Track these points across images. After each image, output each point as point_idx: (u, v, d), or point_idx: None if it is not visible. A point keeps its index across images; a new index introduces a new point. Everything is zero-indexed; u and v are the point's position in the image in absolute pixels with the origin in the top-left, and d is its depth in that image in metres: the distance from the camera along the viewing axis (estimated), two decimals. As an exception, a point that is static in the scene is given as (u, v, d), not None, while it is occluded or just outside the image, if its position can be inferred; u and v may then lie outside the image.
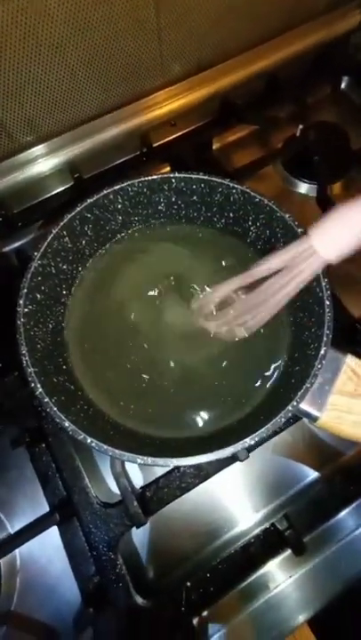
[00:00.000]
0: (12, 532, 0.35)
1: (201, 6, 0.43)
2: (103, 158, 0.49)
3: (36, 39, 0.37)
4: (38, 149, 0.45)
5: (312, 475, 0.35)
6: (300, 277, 0.24)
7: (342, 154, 0.48)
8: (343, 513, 0.33)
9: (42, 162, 0.45)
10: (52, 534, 0.33)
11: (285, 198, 0.49)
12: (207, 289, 0.30)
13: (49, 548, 0.34)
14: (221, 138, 0.52)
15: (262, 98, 0.52)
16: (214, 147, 0.51)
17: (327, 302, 0.24)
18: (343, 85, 0.54)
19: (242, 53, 0.49)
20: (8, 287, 0.42)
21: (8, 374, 0.37)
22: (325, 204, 0.42)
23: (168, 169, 0.51)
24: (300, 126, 0.49)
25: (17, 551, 0.34)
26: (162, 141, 0.50)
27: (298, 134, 0.49)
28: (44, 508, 0.35)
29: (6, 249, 0.47)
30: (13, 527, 0.36)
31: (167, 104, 0.48)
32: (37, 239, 0.47)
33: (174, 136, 0.51)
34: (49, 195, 0.48)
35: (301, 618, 0.29)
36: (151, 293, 0.34)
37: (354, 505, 0.33)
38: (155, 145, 0.50)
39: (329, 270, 0.26)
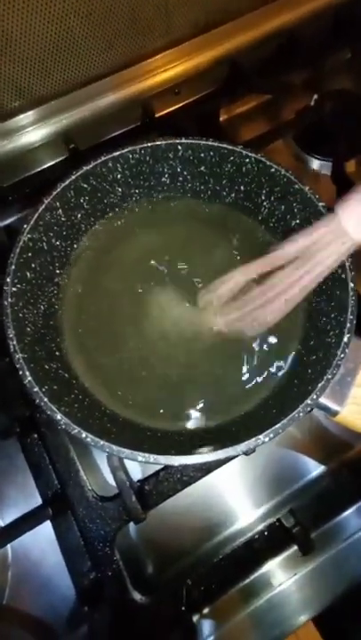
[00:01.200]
0: (4, 525, 0.34)
1: None
2: (101, 129, 0.45)
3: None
4: (28, 116, 0.41)
5: (318, 468, 0.34)
6: (326, 263, 0.21)
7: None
8: (351, 509, 0.31)
9: (32, 130, 0.42)
10: (46, 527, 0.31)
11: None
12: (214, 279, 0.26)
13: (42, 540, 0.33)
14: (229, 109, 0.48)
15: (275, 62, 0.48)
16: (222, 118, 0.47)
17: (351, 284, 0.22)
18: (364, 50, 0.50)
19: (254, 10, 0.44)
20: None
21: (-1, 360, 0.35)
22: (342, 181, 0.39)
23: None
24: (315, 96, 0.46)
25: (9, 546, 0.33)
26: (164, 111, 0.47)
27: (312, 104, 0.46)
28: (37, 498, 0.33)
29: (-5, 226, 0.44)
30: (4, 519, 0.34)
31: (171, 67, 0.44)
32: (28, 213, 0.44)
33: (178, 106, 0.47)
34: (41, 167, 0.44)
35: (304, 617, 0.28)
36: (152, 276, 0.31)
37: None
38: (157, 115, 0.46)
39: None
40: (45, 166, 0.45)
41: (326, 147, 0.45)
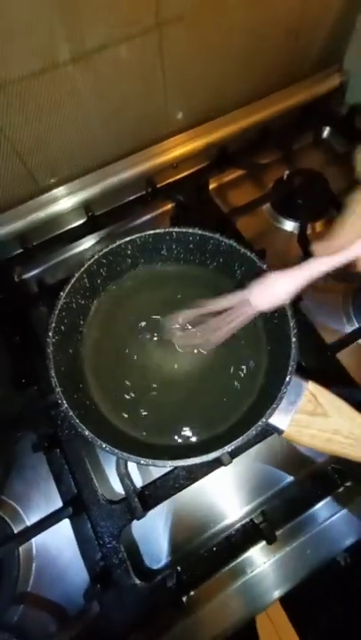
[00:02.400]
0: (29, 524, 0.41)
1: (204, 71, 0.50)
2: (113, 197, 0.55)
3: (62, 101, 0.44)
4: (58, 191, 0.52)
5: (287, 479, 0.41)
6: (242, 317, 0.32)
7: (323, 197, 0.54)
8: (311, 510, 0.39)
9: (60, 202, 0.52)
10: (63, 527, 0.38)
11: (273, 234, 0.56)
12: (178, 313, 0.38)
13: (60, 539, 0.39)
14: (218, 179, 0.59)
15: (254, 145, 0.59)
16: (211, 186, 0.58)
17: (293, 339, 0.31)
18: (325, 134, 0.61)
19: (238, 109, 0.56)
20: (27, 309, 0.49)
21: (29, 388, 0.43)
22: (304, 243, 0.49)
23: (170, 206, 0.58)
24: (287, 172, 0.56)
25: (33, 540, 0.40)
26: (165, 182, 0.57)
27: (285, 178, 0.56)
28: (56, 503, 0.40)
29: (26, 276, 0.54)
30: (30, 520, 0.41)
31: (171, 151, 0.55)
32: (53, 268, 0.54)
33: (176, 178, 0.58)
34: (65, 229, 0.55)
35: (274, 596, 0.35)
36: (152, 324, 0.40)
37: (320, 504, 0.39)
38: (159, 185, 0.57)
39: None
40: (68, 228, 0.55)
41: (296, 212, 0.55)
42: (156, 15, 0.42)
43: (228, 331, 0.34)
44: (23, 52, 0.38)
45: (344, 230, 0.26)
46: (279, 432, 0.30)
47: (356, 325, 0.47)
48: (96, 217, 0.54)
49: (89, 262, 0.35)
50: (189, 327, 0.37)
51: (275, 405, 0.29)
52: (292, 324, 0.31)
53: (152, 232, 0.36)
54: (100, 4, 0.38)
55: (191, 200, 0.56)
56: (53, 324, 0.32)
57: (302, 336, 0.43)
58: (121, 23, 0.41)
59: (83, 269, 0.34)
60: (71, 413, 0.29)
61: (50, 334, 0.32)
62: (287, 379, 0.29)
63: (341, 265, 0.28)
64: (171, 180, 0.58)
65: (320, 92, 0.58)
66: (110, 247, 0.35)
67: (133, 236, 0.36)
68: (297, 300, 0.43)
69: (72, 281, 0.34)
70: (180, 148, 0.55)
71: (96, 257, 0.35)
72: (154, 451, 0.33)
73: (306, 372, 0.32)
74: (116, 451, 0.28)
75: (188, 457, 0.29)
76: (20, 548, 0.39)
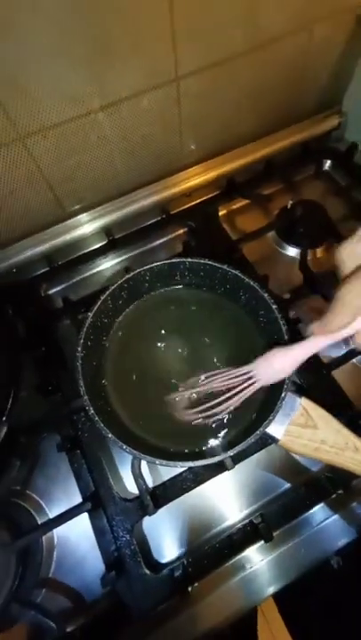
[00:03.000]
0: (51, 517, 0.46)
1: (215, 113, 0.56)
2: (131, 222, 0.61)
3: (91, 142, 0.50)
4: (82, 217, 0.58)
5: (285, 485, 0.45)
6: (254, 386, 0.36)
7: (323, 226, 0.59)
8: (306, 514, 0.42)
9: (84, 226, 0.58)
10: (81, 521, 0.42)
11: (276, 259, 0.61)
12: (208, 341, 0.41)
13: (79, 531, 0.43)
14: (226, 206, 0.64)
15: (260, 176, 0.64)
16: (220, 213, 0.63)
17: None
18: (326, 167, 0.66)
19: (245, 145, 0.62)
20: (52, 323, 0.55)
21: (54, 394, 0.49)
22: (305, 269, 0.54)
23: (183, 231, 0.63)
24: (290, 201, 0.62)
25: (55, 531, 0.44)
26: (178, 209, 0.63)
27: (288, 207, 0.62)
28: (75, 499, 0.44)
29: (51, 291, 0.60)
30: (51, 512, 0.46)
31: (184, 183, 0.61)
32: (76, 285, 0.60)
33: (188, 205, 0.63)
34: (87, 250, 0.60)
35: (269, 591, 0.39)
36: (165, 337, 0.45)
37: (314, 509, 0.42)
38: (172, 212, 0.62)
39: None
40: (90, 249, 0.60)
41: (299, 239, 0.60)
42: (176, 70, 0.48)
43: (230, 405, 0.37)
44: (62, 103, 0.44)
45: (336, 320, 0.29)
46: (275, 441, 0.35)
47: (352, 346, 0.51)
48: (116, 240, 0.60)
49: (113, 287, 0.40)
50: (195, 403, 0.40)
51: (271, 417, 0.33)
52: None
53: (168, 261, 0.41)
54: (127, 64, 0.44)
55: (202, 226, 0.61)
56: (82, 340, 0.37)
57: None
58: (145, 77, 0.47)
59: (108, 293, 0.40)
60: (97, 418, 0.34)
61: (79, 349, 0.37)
62: (283, 394, 0.34)
63: (339, 340, 0.32)
64: (184, 207, 0.63)
65: (320, 131, 0.63)
66: (132, 274, 0.41)
67: (152, 265, 0.41)
68: (296, 322, 0.48)
69: (98, 303, 0.39)
70: (192, 179, 0.61)
71: (119, 282, 0.40)
72: (166, 453, 0.38)
73: (303, 389, 0.36)
74: (135, 452, 0.33)
75: (196, 460, 0.33)
76: (44, 538, 0.44)
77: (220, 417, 0.38)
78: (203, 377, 0.39)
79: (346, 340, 0.33)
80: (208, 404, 0.37)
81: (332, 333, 0.31)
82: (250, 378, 0.36)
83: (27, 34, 0.37)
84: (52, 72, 0.41)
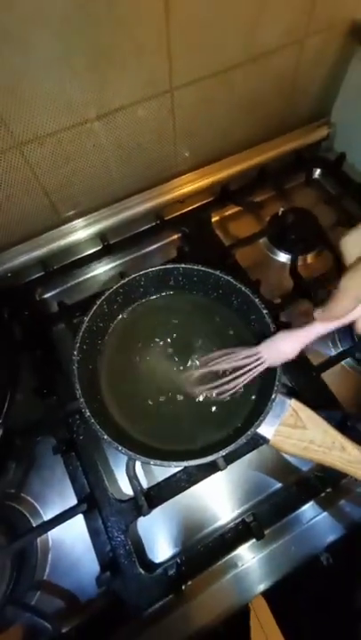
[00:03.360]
0: (45, 519, 0.46)
1: (209, 122, 0.58)
2: (126, 228, 0.62)
3: (86, 150, 0.51)
4: (78, 222, 0.59)
5: (276, 484, 0.46)
6: (257, 369, 0.38)
7: (313, 233, 0.61)
8: (296, 513, 0.43)
9: (79, 232, 0.59)
10: (76, 523, 0.43)
11: (268, 264, 0.62)
12: (195, 361, 0.43)
13: (74, 533, 0.44)
14: (219, 213, 0.66)
15: (252, 184, 0.66)
16: (213, 219, 0.65)
17: (278, 370, 0.37)
18: (316, 175, 0.69)
19: (238, 153, 0.64)
20: (47, 327, 0.55)
21: (49, 397, 0.49)
22: (295, 275, 0.56)
23: (177, 236, 0.64)
24: (282, 209, 0.63)
25: (49, 533, 0.45)
26: (172, 215, 0.64)
27: (280, 214, 0.63)
28: (69, 501, 0.44)
29: (46, 295, 0.60)
30: (46, 515, 0.46)
31: (178, 189, 0.62)
32: (71, 290, 0.60)
33: (182, 211, 0.64)
34: (82, 255, 0.61)
35: (260, 588, 0.40)
36: (159, 341, 0.46)
37: (304, 507, 0.44)
38: (166, 218, 0.63)
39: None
40: (85, 254, 0.61)
41: (290, 245, 0.61)
42: (170, 81, 0.49)
43: (240, 383, 0.39)
44: (59, 112, 0.45)
45: (339, 307, 0.31)
46: (266, 441, 0.36)
47: (341, 349, 0.53)
48: (110, 245, 0.61)
49: (108, 292, 0.41)
50: (202, 382, 0.42)
51: (262, 418, 0.34)
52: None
53: (162, 267, 0.42)
54: (124, 74, 0.45)
55: (195, 232, 0.62)
56: (78, 344, 0.38)
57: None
58: (140, 87, 0.48)
59: (104, 297, 0.41)
60: (93, 420, 0.35)
61: (75, 352, 0.38)
62: (273, 396, 0.35)
63: (341, 326, 0.33)
64: (178, 213, 0.64)
65: (311, 141, 0.65)
66: (127, 279, 0.42)
67: (147, 270, 0.42)
68: (286, 326, 0.49)
69: (94, 307, 0.40)
70: (186, 186, 0.62)
71: (115, 287, 0.41)
72: (160, 454, 0.38)
73: (294, 391, 0.38)
74: (130, 453, 0.34)
75: (190, 460, 0.34)
76: (38, 540, 0.44)
77: (230, 393, 0.40)
78: (215, 354, 0.41)
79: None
80: (220, 381, 0.39)
81: (335, 320, 0.32)
82: (257, 359, 0.37)
83: (27, 44, 0.38)
84: (50, 82, 0.42)
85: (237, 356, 0.39)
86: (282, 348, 0.36)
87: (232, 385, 0.39)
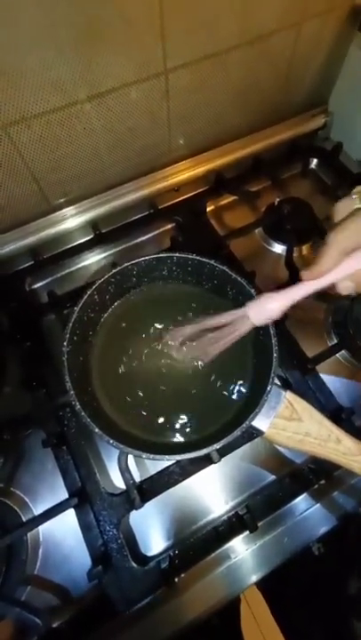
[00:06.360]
0: (36, 514, 0.45)
1: (204, 107, 0.56)
2: (118, 216, 0.60)
3: (77, 133, 0.49)
4: (68, 210, 0.57)
5: (269, 477, 0.46)
6: (238, 331, 0.37)
7: (309, 223, 0.60)
8: (289, 505, 0.43)
9: (69, 220, 0.57)
10: (67, 517, 0.42)
11: (263, 255, 0.61)
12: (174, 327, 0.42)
13: (65, 527, 0.43)
14: (214, 202, 0.65)
15: (248, 173, 0.65)
16: (208, 209, 0.63)
17: (274, 355, 0.36)
18: (312, 165, 0.67)
19: (234, 141, 0.62)
20: (37, 317, 0.54)
21: (38, 390, 0.48)
22: (290, 266, 0.55)
23: (170, 226, 0.63)
24: (277, 199, 0.62)
25: (40, 528, 0.44)
26: (166, 204, 0.63)
27: (276, 204, 0.62)
28: (60, 495, 0.44)
29: (36, 286, 0.58)
30: (36, 509, 0.45)
31: (172, 177, 0.60)
32: (61, 280, 0.59)
33: (176, 200, 0.63)
34: (73, 244, 0.59)
35: (253, 579, 0.40)
36: (151, 334, 0.45)
37: (297, 499, 0.44)
38: (160, 207, 0.62)
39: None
40: (76, 243, 0.60)
41: (285, 236, 0.61)
42: (164, 62, 0.47)
43: (224, 343, 0.38)
44: (47, 91, 0.43)
45: (324, 261, 0.31)
46: (261, 433, 0.35)
47: (335, 341, 0.53)
48: (102, 234, 0.59)
49: (100, 281, 0.40)
50: (189, 340, 0.42)
51: (257, 410, 0.34)
52: (273, 342, 0.37)
53: (156, 256, 0.41)
54: (115, 53, 0.43)
55: (190, 221, 0.61)
56: (68, 335, 0.37)
57: (287, 350, 0.49)
58: (133, 68, 0.46)
59: (94, 287, 0.39)
60: (83, 413, 0.34)
61: (65, 344, 0.36)
62: (268, 388, 0.35)
63: (325, 287, 0.34)
64: (171, 202, 0.63)
65: (307, 130, 0.64)
66: (119, 268, 0.40)
67: (139, 259, 0.41)
68: (282, 319, 0.49)
69: (85, 297, 0.39)
70: (180, 174, 0.61)
71: (106, 277, 0.40)
72: (153, 447, 0.38)
73: (288, 383, 0.37)
74: (122, 446, 0.33)
75: (183, 453, 0.34)
76: (29, 535, 0.43)
77: (215, 353, 0.39)
78: (200, 318, 0.40)
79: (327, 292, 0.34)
80: (205, 338, 0.39)
81: (321, 277, 0.32)
82: (243, 317, 0.37)
83: (8, 15, 0.36)
84: (36, 57, 0.40)
85: (222, 316, 0.38)
86: (267, 306, 0.35)
87: (217, 344, 0.38)
